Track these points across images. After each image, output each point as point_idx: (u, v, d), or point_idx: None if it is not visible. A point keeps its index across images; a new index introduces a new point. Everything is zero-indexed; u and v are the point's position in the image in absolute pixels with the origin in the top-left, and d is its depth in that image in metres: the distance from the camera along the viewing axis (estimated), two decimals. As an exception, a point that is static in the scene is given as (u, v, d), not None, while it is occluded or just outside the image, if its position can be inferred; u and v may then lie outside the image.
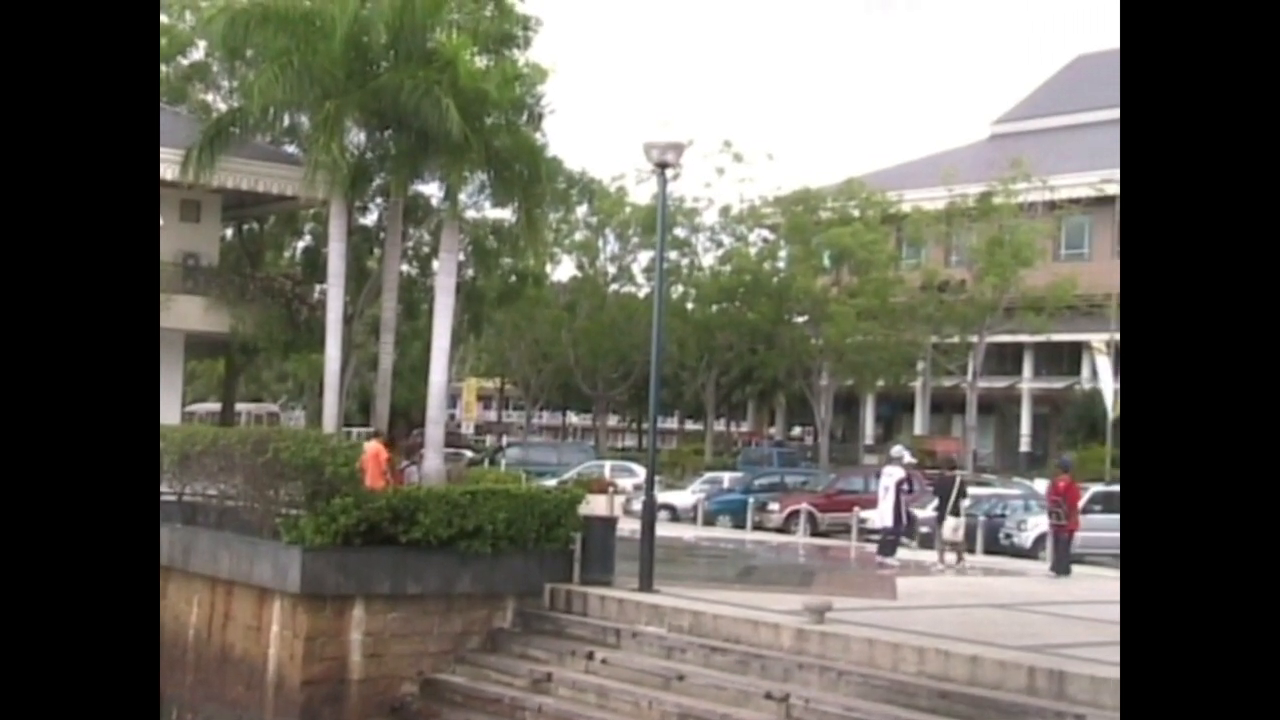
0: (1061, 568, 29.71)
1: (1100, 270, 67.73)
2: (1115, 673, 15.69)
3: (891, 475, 31.22)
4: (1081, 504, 36.14)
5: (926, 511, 33.51)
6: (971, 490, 44.24)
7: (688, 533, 38.25)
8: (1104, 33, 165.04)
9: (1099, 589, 27.23)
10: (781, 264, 71.80)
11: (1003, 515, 39.26)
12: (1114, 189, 64.71)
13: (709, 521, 43.78)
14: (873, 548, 36.09)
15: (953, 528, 30.82)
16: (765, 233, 74.09)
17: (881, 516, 31.37)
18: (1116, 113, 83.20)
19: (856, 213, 67.99)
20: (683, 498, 47.53)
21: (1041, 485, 51.54)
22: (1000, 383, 73.87)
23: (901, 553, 31.73)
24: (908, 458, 33.48)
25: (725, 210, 71.74)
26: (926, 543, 33.84)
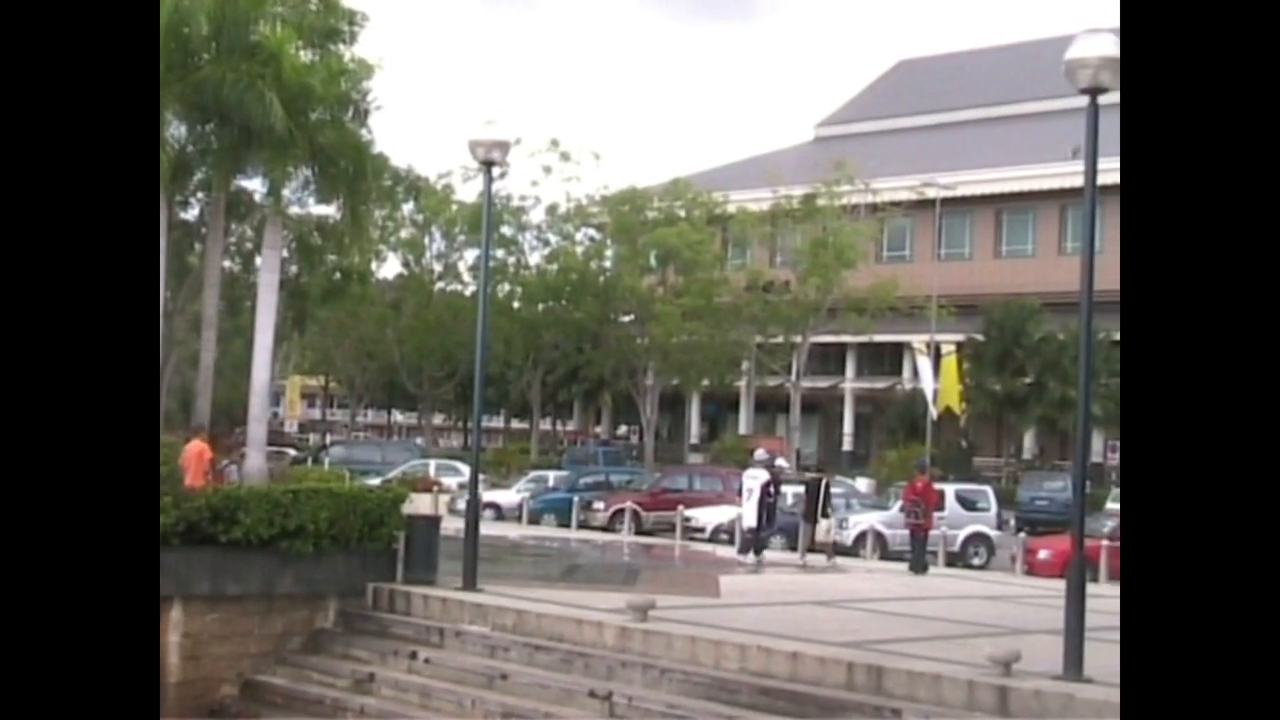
0: (918, 566, 30.40)
1: (921, 272, 68.92)
2: (931, 666, 16.00)
3: (756, 478, 31.62)
4: (901, 503, 36.87)
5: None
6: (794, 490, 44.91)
7: (513, 531, 38.16)
8: (924, 38, 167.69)
9: (919, 586, 27.71)
10: (608, 263, 71.95)
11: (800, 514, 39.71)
12: (934, 192, 65.87)
13: (534, 520, 43.70)
14: (698, 546, 36.44)
15: (824, 529, 31.49)
16: (592, 232, 74.16)
17: (746, 517, 31.73)
18: (937, 117, 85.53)
19: (682, 213, 68.36)
20: (508, 496, 47.42)
21: (863, 484, 52.36)
22: (823, 382, 74.82)
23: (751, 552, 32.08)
24: (780, 462, 33.93)
25: (552, 209, 71.72)
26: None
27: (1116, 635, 18.30)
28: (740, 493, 32.74)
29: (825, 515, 31.58)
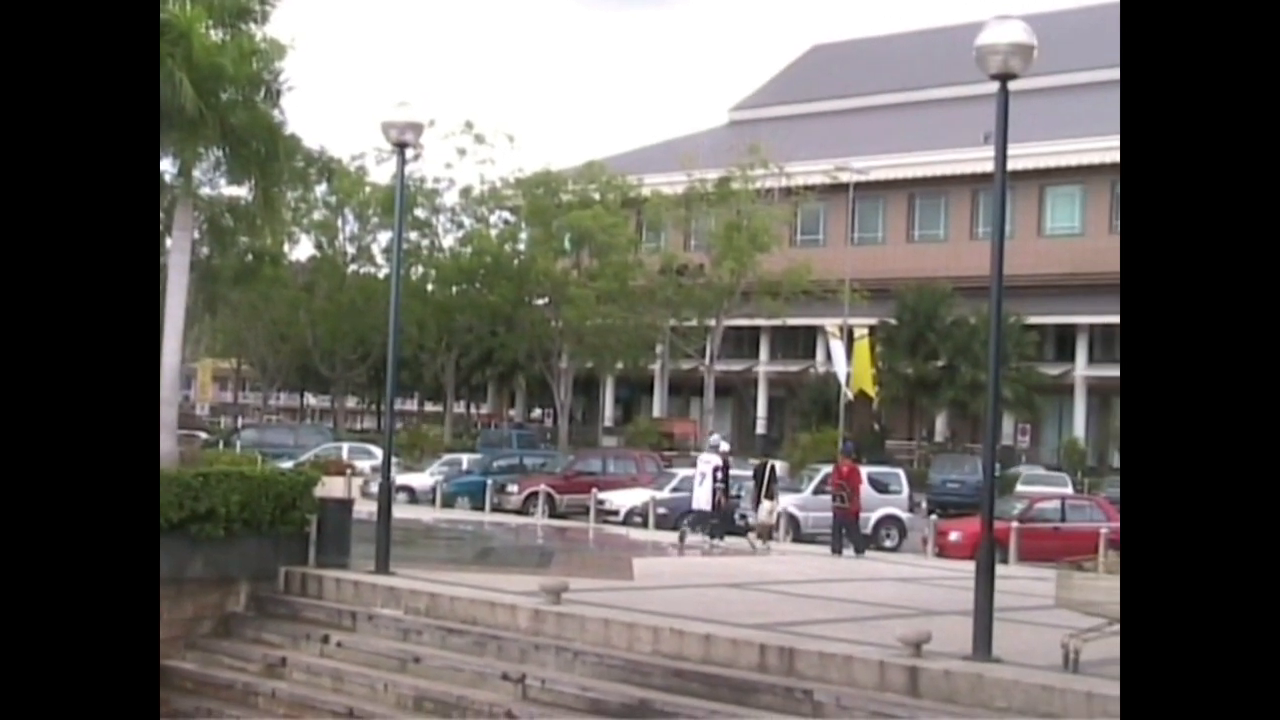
0: (849, 547, 30.95)
1: (834, 256, 69.25)
2: (842, 648, 16.09)
3: (709, 462, 32.09)
4: (814, 485, 37.12)
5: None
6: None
7: (426, 514, 38.04)
8: (839, 22, 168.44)
9: (831, 568, 27.89)
10: (522, 246, 71.87)
11: (739, 496, 39.78)
12: (847, 176, 66.17)
13: (448, 503, 43.57)
14: (611, 529, 36.51)
15: (767, 510, 31.88)
16: (506, 214, 74.06)
17: (699, 501, 32.11)
18: (851, 102, 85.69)
19: (597, 196, 68.40)
20: (421, 479, 47.27)
21: (779, 465, 52.61)
22: (737, 366, 75.08)
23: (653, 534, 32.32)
24: (724, 446, 34.43)
25: (466, 191, 71.51)
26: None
27: (1025, 616, 18.58)
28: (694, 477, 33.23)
29: (770, 498, 32.02)
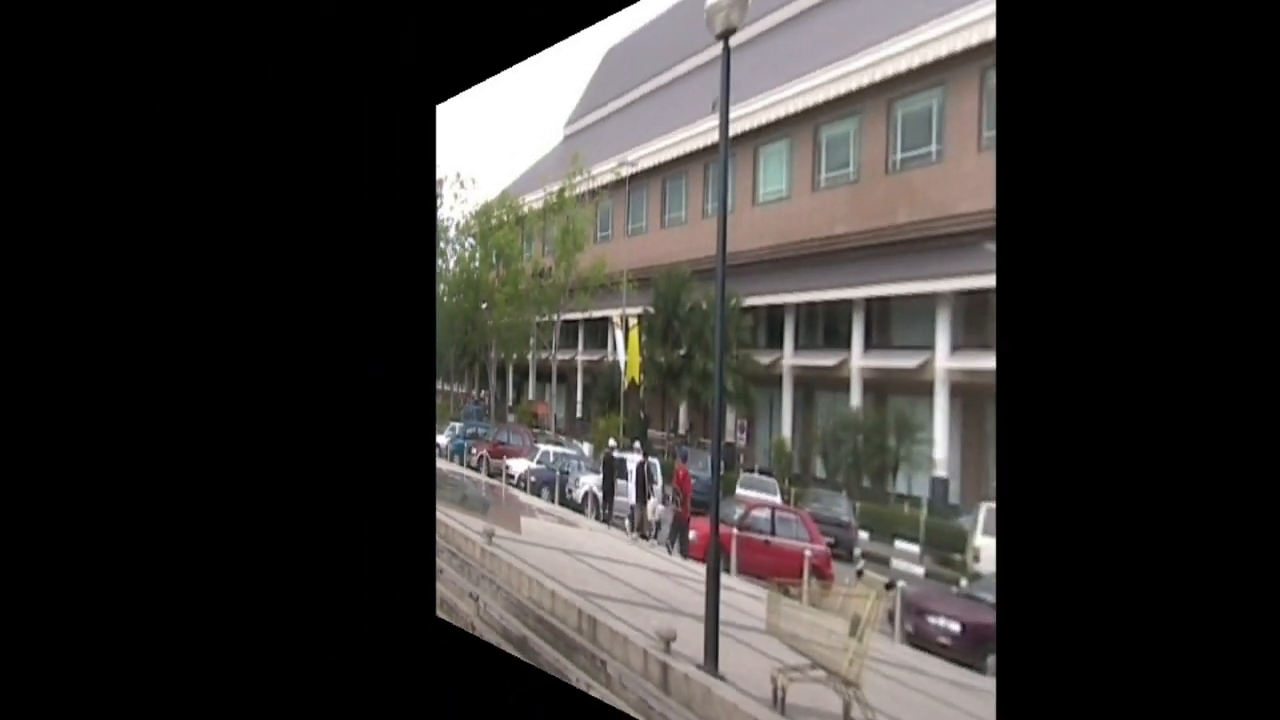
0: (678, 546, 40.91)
1: (617, 249, 79.27)
2: (622, 628, 14.89)
3: (634, 460, 42.36)
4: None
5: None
6: (542, 447, 57.22)
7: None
8: (628, 22, 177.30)
9: (616, 550, 38.95)
10: (476, 264, 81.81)
11: (566, 473, 49.66)
12: (626, 170, 77.20)
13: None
14: (511, 490, 47.82)
15: (650, 508, 42.24)
16: (471, 240, 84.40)
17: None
18: (630, 96, 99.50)
19: (505, 217, 79.17)
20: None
21: (587, 448, 64.94)
22: (566, 355, 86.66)
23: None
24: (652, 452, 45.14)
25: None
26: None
27: (747, 636, 29.87)
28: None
29: (646, 498, 41.07)
